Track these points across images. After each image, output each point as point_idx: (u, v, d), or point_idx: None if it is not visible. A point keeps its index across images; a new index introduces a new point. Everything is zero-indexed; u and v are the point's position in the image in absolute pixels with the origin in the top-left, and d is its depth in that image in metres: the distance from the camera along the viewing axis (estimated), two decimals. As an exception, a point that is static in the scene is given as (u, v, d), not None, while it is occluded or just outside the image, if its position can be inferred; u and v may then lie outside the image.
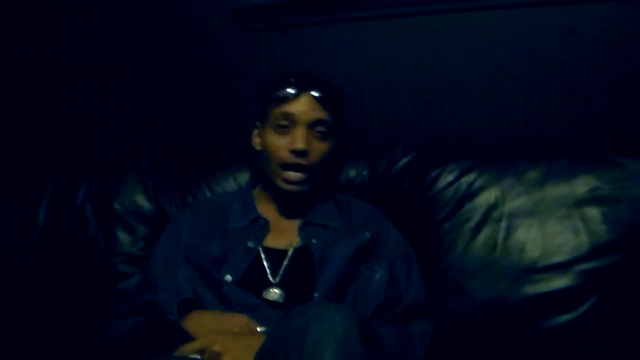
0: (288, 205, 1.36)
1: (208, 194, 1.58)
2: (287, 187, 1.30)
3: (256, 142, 1.40)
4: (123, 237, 1.56)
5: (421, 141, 1.56)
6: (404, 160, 1.50)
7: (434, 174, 1.44)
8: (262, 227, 1.33)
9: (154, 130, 1.85)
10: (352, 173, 1.54)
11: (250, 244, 1.28)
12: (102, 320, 1.38)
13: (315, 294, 1.19)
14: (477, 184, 1.38)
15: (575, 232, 1.26)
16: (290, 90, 1.29)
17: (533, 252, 1.28)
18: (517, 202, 1.33)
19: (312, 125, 1.29)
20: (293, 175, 1.28)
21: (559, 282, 1.24)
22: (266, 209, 1.38)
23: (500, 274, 1.28)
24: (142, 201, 1.60)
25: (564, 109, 1.51)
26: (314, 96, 1.29)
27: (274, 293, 1.21)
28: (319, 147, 1.30)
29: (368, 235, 1.32)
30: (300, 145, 1.26)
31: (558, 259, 1.26)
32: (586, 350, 1.21)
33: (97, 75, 1.88)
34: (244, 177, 1.59)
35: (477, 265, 1.31)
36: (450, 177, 1.42)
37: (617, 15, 1.44)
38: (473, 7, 1.55)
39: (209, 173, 1.61)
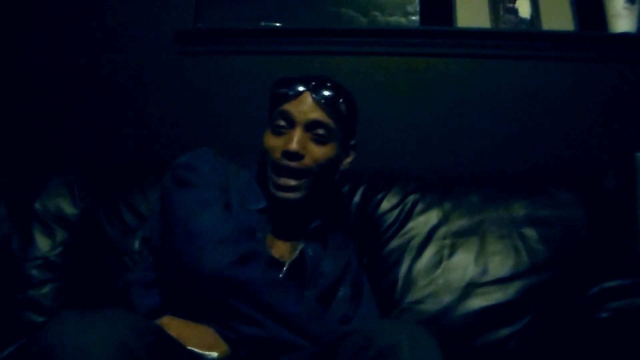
0: (284, 219, 1.23)
1: (142, 204, 1.46)
2: (279, 194, 1.17)
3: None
4: (40, 240, 1.42)
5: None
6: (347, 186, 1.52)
7: (379, 196, 1.47)
8: (266, 223, 1.20)
9: (85, 145, 1.74)
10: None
11: (259, 235, 1.17)
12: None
13: None
14: (421, 206, 1.44)
15: (515, 250, 1.34)
16: (292, 88, 1.19)
17: (476, 267, 1.34)
18: (459, 223, 1.40)
19: (309, 126, 1.17)
20: (284, 181, 1.17)
21: (501, 295, 1.30)
22: None
23: (445, 288, 1.32)
24: (66, 204, 1.47)
25: (496, 145, 1.65)
26: (316, 96, 1.17)
27: None
28: (316, 151, 1.17)
29: (347, 255, 1.29)
30: (293, 146, 1.14)
31: (501, 274, 1.32)
32: (526, 363, 1.25)
33: (32, 85, 1.78)
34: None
35: (423, 280, 1.34)
36: (394, 200, 1.46)
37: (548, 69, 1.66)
38: (410, 52, 1.70)
39: (144, 181, 1.51)
